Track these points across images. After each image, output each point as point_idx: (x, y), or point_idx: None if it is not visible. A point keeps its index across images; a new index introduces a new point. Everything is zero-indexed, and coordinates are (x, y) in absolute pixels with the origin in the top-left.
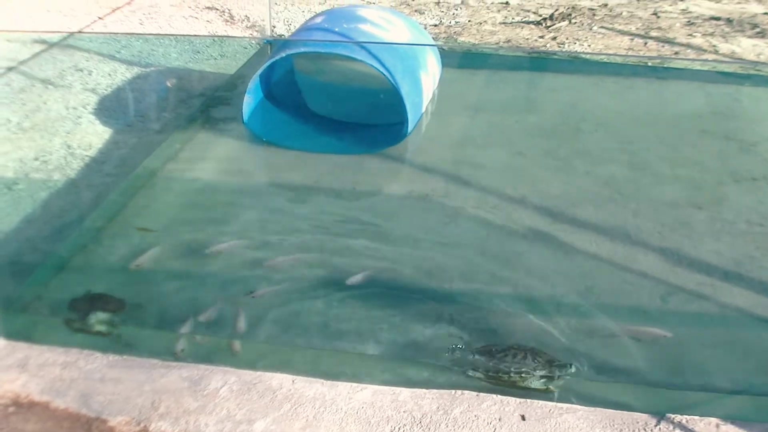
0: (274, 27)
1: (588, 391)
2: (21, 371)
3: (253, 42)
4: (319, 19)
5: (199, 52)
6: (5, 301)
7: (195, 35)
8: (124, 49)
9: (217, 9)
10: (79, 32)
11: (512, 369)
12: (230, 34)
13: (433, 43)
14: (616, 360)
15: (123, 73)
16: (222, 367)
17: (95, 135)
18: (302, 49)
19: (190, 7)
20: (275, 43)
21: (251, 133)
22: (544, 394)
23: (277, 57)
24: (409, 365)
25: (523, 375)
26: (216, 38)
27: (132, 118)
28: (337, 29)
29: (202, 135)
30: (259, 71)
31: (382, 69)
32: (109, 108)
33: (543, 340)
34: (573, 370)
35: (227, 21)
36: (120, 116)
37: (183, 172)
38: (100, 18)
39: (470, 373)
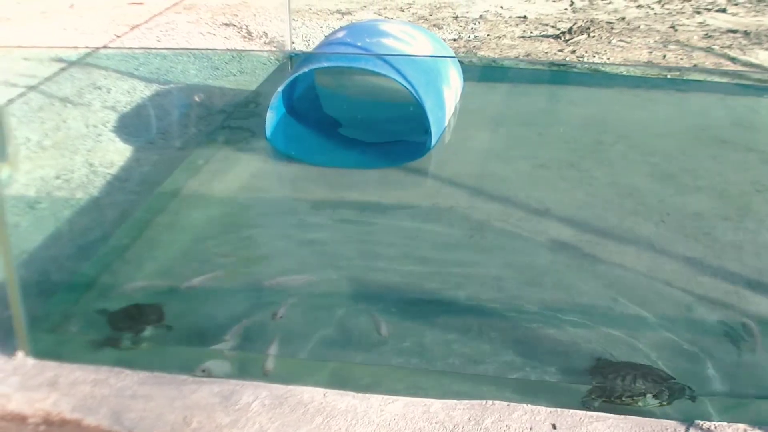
0: (293, 42)
1: None
2: (51, 390)
3: (272, 58)
4: (341, 34)
5: (218, 68)
6: (33, 320)
7: (215, 49)
8: (142, 66)
9: (235, 25)
10: (97, 49)
11: (627, 392)
12: (247, 50)
13: (454, 56)
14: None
15: (142, 91)
16: (253, 381)
17: (116, 153)
18: (325, 64)
19: (207, 24)
20: (297, 57)
21: (274, 149)
22: (580, 404)
23: (300, 71)
24: (441, 376)
25: (635, 398)
26: (236, 53)
27: (153, 135)
28: (359, 44)
29: (224, 152)
30: (282, 86)
31: (405, 83)
32: (129, 125)
33: (570, 351)
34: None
35: (245, 37)
36: (141, 133)
37: (206, 189)
38: (117, 36)
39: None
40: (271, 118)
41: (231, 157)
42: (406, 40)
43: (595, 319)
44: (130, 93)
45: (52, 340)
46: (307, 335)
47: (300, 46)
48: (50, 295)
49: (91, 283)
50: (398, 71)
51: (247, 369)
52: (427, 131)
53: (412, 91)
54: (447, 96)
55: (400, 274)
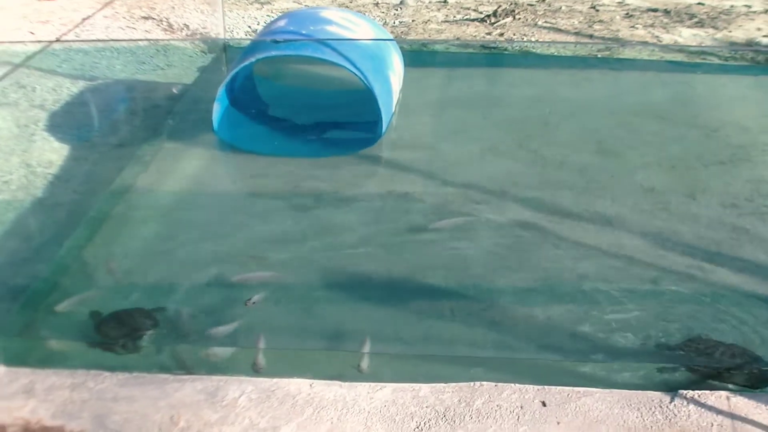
0: (228, 32)
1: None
2: (28, 397)
3: (201, 50)
4: (282, 23)
5: (144, 62)
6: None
7: (157, 40)
8: (64, 63)
9: (154, 18)
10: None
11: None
12: (169, 43)
13: (393, 41)
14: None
15: (69, 88)
16: (236, 376)
17: (53, 152)
18: (274, 53)
19: (125, 18)
20: (232, 48)
21: (219, 141)
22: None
23: (248, 61)
24: (426, 361)
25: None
26: (161, 47)
27: (88, 133)
28: (304, 32)
29: (169, 146)
30: (228, 76)
31: (354, 69)
32: (62, 124)
33: (546, 328)
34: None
35: (166, 30)
36: (74, 131)
37: (157, 186)
38: (31, 33)
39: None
40: (217, 109)
41: (178, 151)
42: (348, 27)
43: (564, 298)
44: (56, 90)
45: (21, 347)
46: (281, 327)
47: (224, 36)
48: (11, 301)
49: (52, 287)
50: (347, 58)
51: (230, 364)
52: (377, 118)
53: (362, 78)
54: (393, 82)
55: (365, 261)
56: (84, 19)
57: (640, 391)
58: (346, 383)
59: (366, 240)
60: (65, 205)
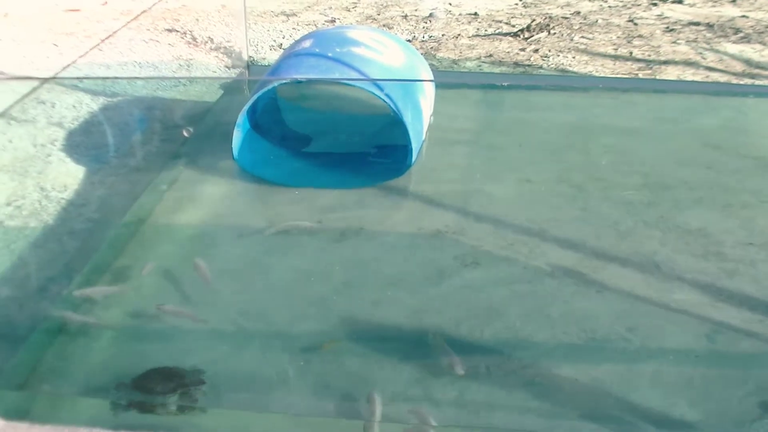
0: (242, 49)
1: None
2: None
3: (222, 65)
4: (307, 43)
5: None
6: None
7: (189, 77)
8: (86, 78)
9: (178, 31)
10: (54, 78)
11: None
12: (194, 57)
13: (425, 63)
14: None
15: (88, 104)
16: None
17: (69, 175)
18: (298, 77)
19: (148, 30)
20: (255, 67)
21: (240, 170)
22: None
23: (271, 86)
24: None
25: None
26: (194, 60)
27: (105, 154)
28: (330, 54)
29: (188, 173)
30: (249, 102)
31: (384, 97)
32: (79, 144)
33: (592, 395)
34: None
35: (190, 43)
36: (92, 152)
37: (173, 219)
38: (55, 45)
39: None
40: (237, 137)
41: (196, 179)
42: (376, 48)
43: (613, 356)
44: (76, 107)
45: (21, 398)
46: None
47: (249, 52)
48: (14, 344)
49: (60, 328)
50: (375, 84)
51: None
52: (407, 147)
53: (392, 107)
54: (423, 107)
55: (391, 307)
56: (108, 36)
57: None
58: None
59: (393, 283)
60: (78, 233)
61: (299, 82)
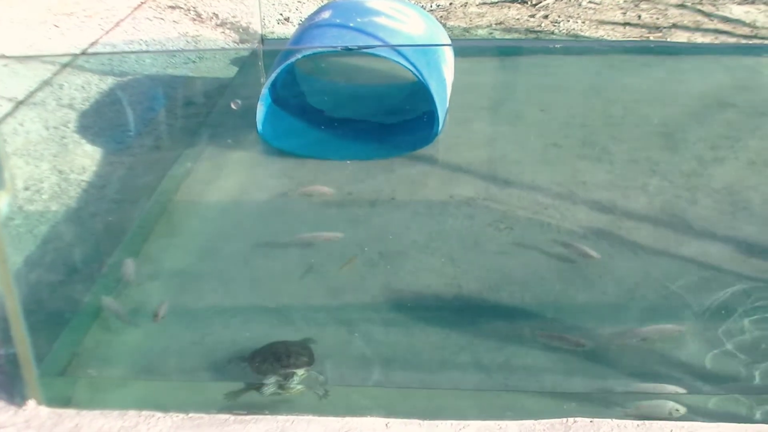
0: (250, 24)
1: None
2: None
3: (230, 41)
4: (326, 14)
5: (174, 55)
6: (40, 361)
7: (199, 50)
8: (92, 58)
9: (181, 7)
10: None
11: None
12: (201, 33)
13: (443, 31)
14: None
15: (97, 85)
16: (302, 415)
17: (86, 156)
18: (321, 49)
19: (151, 8)
20: (269, 41)
21: (263, 143)
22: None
23: (294, 59)
24: (512, 394)
25: None
26: (202, 35)
27: (120, 133)
28: (351, 24)
29: (211, 149)
30: (273, 75)
31: (409, 65)
32: (92, 125)
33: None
34: None
35: (194, 20)
36: (107, 132)
37: (201, 195)
38: (56, 26)
39: None
40: (261, 110)
41: (220, 155)
42: (398, 17)
43: (656, 315)
44: (85, 88)
45: (65, 384)
46: (342, 356)
47: (256, 27)
48: (53, 330)
49: (96, 313)
50: (399, 52)
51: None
52: (432, 115)
53: (418, 75)
54: (446, 75)
55: (430, 276)
56: (120, 20)
57: (750, 425)
58: (426, 422)
59: (430, 252)
60: (101, 215)
61: (320, 53)
